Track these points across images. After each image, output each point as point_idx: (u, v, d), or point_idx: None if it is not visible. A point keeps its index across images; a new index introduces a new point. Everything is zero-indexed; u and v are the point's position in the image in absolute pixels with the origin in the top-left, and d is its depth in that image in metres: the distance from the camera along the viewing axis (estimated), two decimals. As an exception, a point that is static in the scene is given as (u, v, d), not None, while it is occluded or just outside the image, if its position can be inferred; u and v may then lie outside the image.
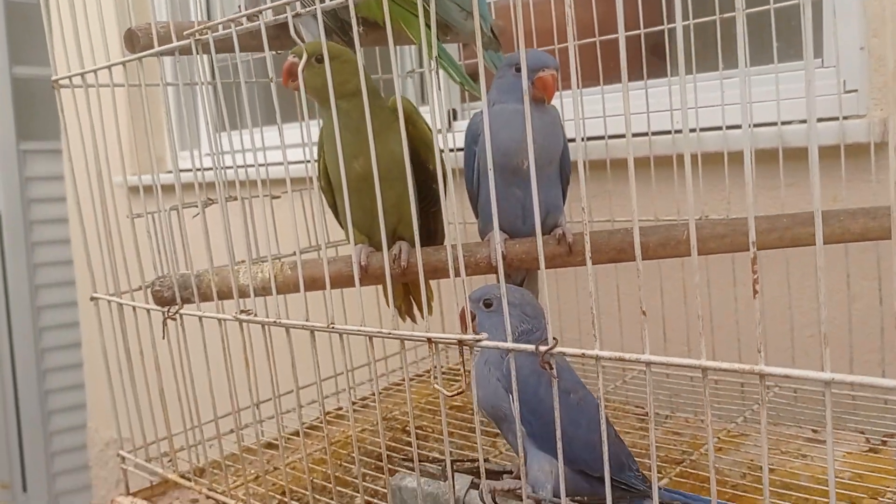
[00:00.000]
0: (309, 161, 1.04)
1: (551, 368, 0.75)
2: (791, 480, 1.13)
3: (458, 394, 0.82)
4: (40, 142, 3.62)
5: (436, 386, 0.83)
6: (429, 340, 0.84)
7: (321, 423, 1.50)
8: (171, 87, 2.23)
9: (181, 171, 1.12)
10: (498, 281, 0.80)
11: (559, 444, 0.77)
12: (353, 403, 1.64)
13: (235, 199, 1.28)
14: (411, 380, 1.73)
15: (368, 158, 0.87)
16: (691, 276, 1.51)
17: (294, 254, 1.05)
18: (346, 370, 1.18)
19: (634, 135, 1.53)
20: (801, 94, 1.41)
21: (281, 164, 0.95)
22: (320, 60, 1.04)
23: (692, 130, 1.49)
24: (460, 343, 0.81)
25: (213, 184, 1.11)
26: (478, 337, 0.81)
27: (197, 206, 1.17)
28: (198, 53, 1.03)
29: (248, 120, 1.04)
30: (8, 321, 3.60)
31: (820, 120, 1.39)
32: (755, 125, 1.44)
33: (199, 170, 1.21)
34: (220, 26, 0.98)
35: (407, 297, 1.37)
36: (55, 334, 3.69)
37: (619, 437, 1.01)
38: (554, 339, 0.75)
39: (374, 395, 1.66)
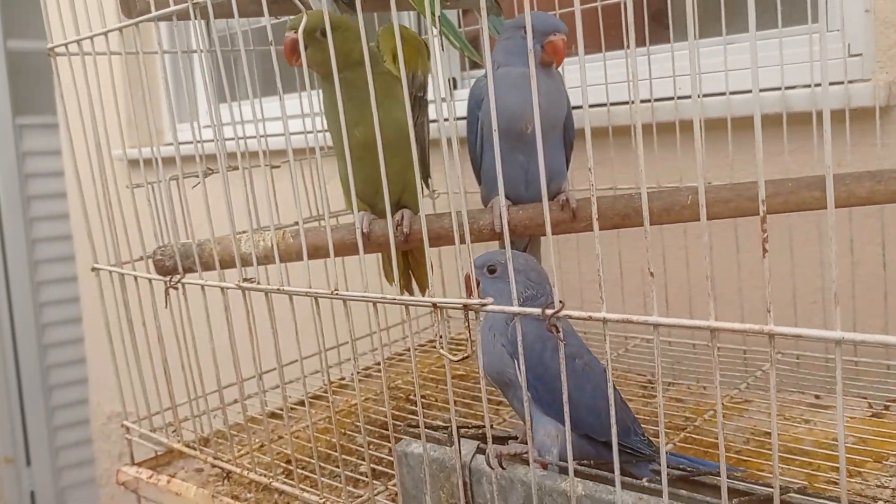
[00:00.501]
0: (311, 132, 1.02)
1: (558, 332, 0.75)
2: (795, 445, 1.13)
3: (463, 359, 0.82)
4: (37, 116, 3.58)
5: (441, 352, 0.82)
6: (434, 305, 0.84)
7: (325, 392, 1.51)
8: (168, 57, 2.21)
9: (181, 143, 1.11)
10: (501, 247, 0.80)
11: (566, 409, 0.76)
12: (358, 373, 1.64)
13: (236, 168, 1.28)
14: (414, 349, 1.73)
15: (370, 127, 0.85)
16: (694, 242, 1.51)
17: (295, 223, 1.04)
18: (351, 339, 1.17)
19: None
20: (805, 59, 1.40)
21: (281, 135, 0.94)
22: (324, 34, 1.02)
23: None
24: (465, 307, 0.80)
25: (214, 156, 1.10)
26: (483, 301, 0.80)
27: (197, 176, 1.16)
28: (195, 18, 1.01)
29: (249, 90, 1.02)
30: (8, 297, 3.59)
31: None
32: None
33: (198, 142, 1.20)
34: (219, -11, 0.96)
35: (407, 271, 1.36)
36: (56, 309, 3.68)
37: (624, 402, 1.01)
38: (560, 301, 0.75)
39: (377, 364, 1.66)
